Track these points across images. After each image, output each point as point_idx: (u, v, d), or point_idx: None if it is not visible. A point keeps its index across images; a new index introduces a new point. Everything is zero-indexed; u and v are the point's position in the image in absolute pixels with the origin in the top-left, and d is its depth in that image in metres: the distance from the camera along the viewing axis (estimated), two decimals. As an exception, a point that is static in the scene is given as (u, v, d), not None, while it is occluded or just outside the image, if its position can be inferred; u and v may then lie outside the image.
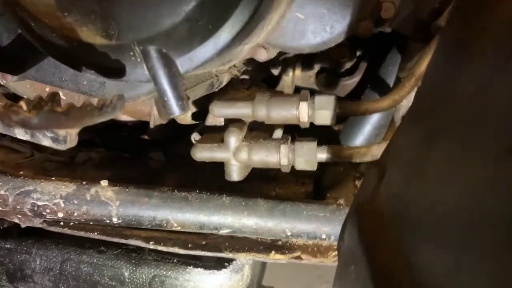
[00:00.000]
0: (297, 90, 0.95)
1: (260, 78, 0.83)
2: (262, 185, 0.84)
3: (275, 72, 0.88)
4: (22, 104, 0.40)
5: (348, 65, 0.99)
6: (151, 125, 0.86)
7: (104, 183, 0.67)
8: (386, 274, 0.31)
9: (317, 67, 1.00)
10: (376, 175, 0.46)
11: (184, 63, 0.51)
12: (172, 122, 0.81)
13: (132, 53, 0.49)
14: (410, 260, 0.30)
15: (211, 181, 0.78)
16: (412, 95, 0.69)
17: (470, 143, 0.28)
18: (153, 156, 0.92)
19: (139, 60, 0.50)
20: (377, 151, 0.66)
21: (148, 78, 0.51)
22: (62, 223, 0.68)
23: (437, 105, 0.36)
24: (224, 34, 0.50)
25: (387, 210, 0.38)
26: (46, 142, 0.42)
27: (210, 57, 0.52)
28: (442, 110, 0.34)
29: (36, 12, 0.48)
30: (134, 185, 0.68)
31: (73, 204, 0.65)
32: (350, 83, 0.99)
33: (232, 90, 0.72)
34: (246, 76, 0.75)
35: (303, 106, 0.64)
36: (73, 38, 0.49)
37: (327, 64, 0.99)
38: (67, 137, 0.43)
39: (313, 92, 0.67)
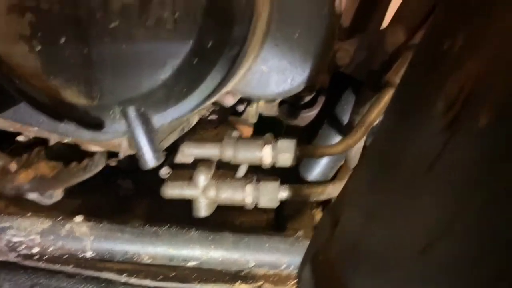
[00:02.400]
0: (260, 117, 1.02)
1: (227, 116, 0.88)
2: (227, 214, 0.90)
3: (240, 108, 0.94)
4: (13, 165, 0.44)
5: (307, 98, 1.06)
6: (121, 156, 0.90)
7: (79, 218, 0.71)
8: None
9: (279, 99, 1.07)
10: (329, 224, 0.53)
11: (159, 119, 0.56)
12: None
13: (112, 111, 0.54)
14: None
15: (178, 210, 0.83)
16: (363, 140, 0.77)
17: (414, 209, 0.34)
18: (122, 184, 0.96)
19: (118, 117, 0.54)
20: (332, 190, 0.73)
21: (125, 131, 0.56)
22: (36, 257, 0.71)
23: (386, 162, 0.41)
24: (197, 96, 0.55)
25: (339, 262, 0.44)
26: (33, 197, 0.47)
27: (183, 114, 0.57)
28: (391, 170, 0.40)
29: (22, 73, 0.52)
30: (107, 220, 0.72)
31: (49, 240, 0.69)
32: (309, 115, 1.07)
33: (200, 130, 0.78)
34: (214, 116, 0.81)
35: (267, 150, 0.70)
36: (57, 98, 0.53)
37: (288, 97, 1.06)
38: (53, 193, 0.47)
39: (276, 135, 0.74)
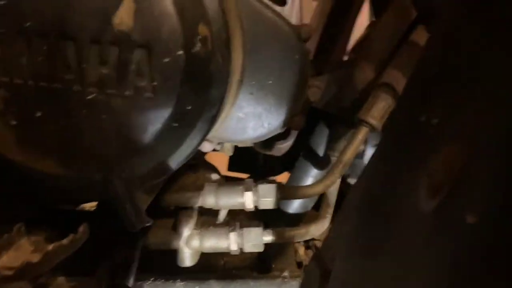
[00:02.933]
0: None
1: (204, 156, 0.88)
2: (210, 256, 0.89)
3: (218, 147, 0.94)
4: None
5: (281, 130, 1.08)
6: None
7: (61, 280, 0.69)
8: None
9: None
10: (319, 275, 0.53)
11: (142, 181, 0.56)
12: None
13: (91, 181, 0.53)
14: None
15: (160, 259, 0.81)
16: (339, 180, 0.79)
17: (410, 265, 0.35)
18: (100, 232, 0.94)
19: (101, 187, 0.54)
20: (315, 231, 0.74)
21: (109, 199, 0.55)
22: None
23: (376, 218, 0.42)
24: (179, 154, 0.55)
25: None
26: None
27: (166, 174, 0.57)
28: (382, 220, 0.41)
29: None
30: (89, 279, 0.71)
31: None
32: (283, 146, 1.08)
33: (179, 177, 0.77)
34: (192, 162, 0.80)
35: (248, 196, 0.71)
36: (33, 169, 0.52)
37: (262, 129, 1.07)
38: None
39: (255, 177, 0.74)
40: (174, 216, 0.74)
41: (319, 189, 0.71)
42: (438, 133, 0.33)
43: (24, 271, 0.41)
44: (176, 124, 0.51)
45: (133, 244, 0.70)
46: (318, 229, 0.75)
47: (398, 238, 0.36)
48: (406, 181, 0.35)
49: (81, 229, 0.48)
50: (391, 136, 0.37)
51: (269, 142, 1.09)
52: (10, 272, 0.41)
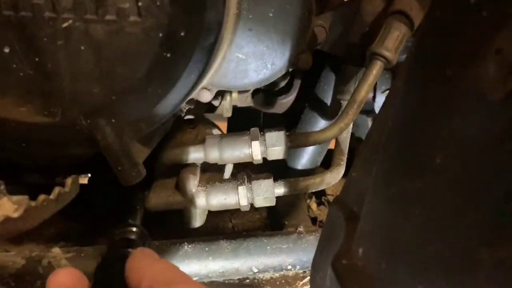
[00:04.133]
0: (235, 110, 0.95)
1: (203, 113, 0.81)
2: (217, 218, 0.84)
3: (216, 103, 0.87)
4: (-33, 209, 0.36)
5: (282, 83, 1.00)
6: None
7: (56, 250, 0.63)
8: None
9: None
10: (342, 216, 0.47)
11: (135, 129, 0.49)
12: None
13: (78, 127, 0.46)
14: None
15: (164, 224, 0.75)
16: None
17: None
18: (96, 203, 0.87)
19: (87, 132, 0.47)
20: (330, 179, 0.68)
21: (97, 148, 0.48)
22: (13, 303, 0.62)
23: (412, 144, 0.35)
24: (176, 94, 0.48)
25: (370, 263, 0.39)
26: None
27: (161, 119, 0.50)
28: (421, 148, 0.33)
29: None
30: (88, 248, 0.65)
31: (25, 281, 0.60)
32: (286, 101, 1.01)
33: (178, 133, 0.70)
34: (190, 116, 0.73)
35: (255, 145, 0.64)
36: (10, 119, 0.45)
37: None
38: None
39: (262, 128, 0.68)
40: (176, 175, 0.67)
41: (333, 132, 0.65)
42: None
43: (3, 228, 0.34)
44: (169, 54, 0.44)
45: (134, 208, 0.63)
46: (334, 177, 0.68)
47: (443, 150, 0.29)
48: (458, 78, 0.28)
49: (69, 181, 0.41)
50: (434, 26, 0.30)
51: (270, 98, 1.02)
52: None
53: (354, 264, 0.40)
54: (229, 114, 0.94)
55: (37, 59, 0.42)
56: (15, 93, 0.43)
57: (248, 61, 0.63)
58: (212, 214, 0.84)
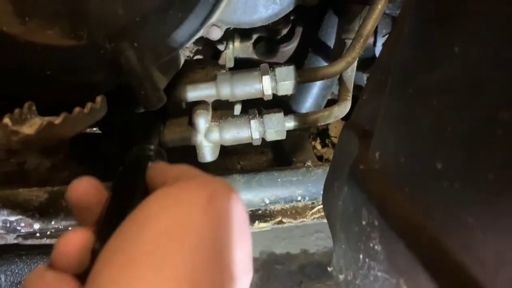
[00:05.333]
0: (237, 61, 0.97)
1: (210, 55, 0.83)
2: (225, 161, 0.86)
3: (221, 47, 0.89)
4: (7, 121, 0.38)
5: (284, 31, 1.02)
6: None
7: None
8: (413, 228, 0.34)
9: (254, 36, 1.02)
10: (355, 136, 0.50)
11: (156, 54, 0.51)
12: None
13: (103, 51, 0.48)
14: (429, 206, 0.34)
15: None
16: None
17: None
18: (109, 150, 0.89)
19: (111, 56, 0.48)
20: (338, 112, 0.70)
21: (120, 73, 0.50)
22: (38, 234, 0.65)
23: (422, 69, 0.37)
24: (194, 20, 0.50)
25: (389, 165, 0.41)
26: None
27: (181, 44, 0.52)
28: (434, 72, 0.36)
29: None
30: (105, 183, 0.67)
31: (49, 213, 0.63)
32: (288, 49, 1.02)
33: (189, 72, 0.72)
34: (199, 56, 0.75)
35: (266, 80, 0.66)
36: (37, 43, 0.46)
37: (263, 33, 1.00)
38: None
39: (270, 65, 0.69)
40: (189, 113, 0.69)
41: (340, 66, 0.67)
42: None
43: (46, 131, 0.36)
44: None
45: (149, 140, 0.65)
46: (341, 111, 0.71)
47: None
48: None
49: (99, 98, 0.43)
50: None
51: (272, 46, 1.03)
52: (34, 136, 0.37)
53: (372, 168, 0.43)
54: (231, 65, 0.96)
55: (63, -20, 0.43)
56: (43, 15, 0.44)
57: (257, -5, 0.64)
58: (220, 158, 0.86)
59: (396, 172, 0.39)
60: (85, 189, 0.35)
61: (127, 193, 0.33)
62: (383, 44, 0.76)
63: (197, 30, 0.52)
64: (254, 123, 0.66)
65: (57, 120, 0.38)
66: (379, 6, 0.66)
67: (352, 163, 0.47)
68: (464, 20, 0.31)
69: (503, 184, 0.27)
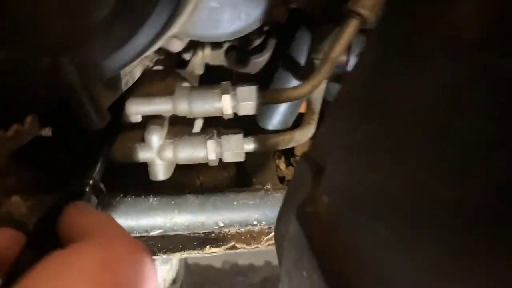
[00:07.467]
0: (207, 68, 0.94)
1: (173, 65, 0.79)
2: (185, 175, 0.83)
3: (187, 56, 0.85)
4: None
5: (257, 41, 0.98)
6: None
7: (16, 198, 0.61)
8: (343, 283, 0.32)
9: (225, 45, 0.98)
10: (311, 172, 0.47)
11: (100, 71, 0.47)
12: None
13: (38, 66, 0.44)
14: (364, 264, 0.32)
15: (130, 177, 0.74)
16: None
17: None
18: (58, 156, 0.85)
19: (48, 71, 0.44)
20: (300, 136, 0.68)
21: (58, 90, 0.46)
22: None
23: (375, 102, 0.35)
24: (143, 37, 0.46)
25: (333, 212, 0.39)
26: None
27: (128, 61, 0.48)
28: (381, 108, 0.34)
29: None
30: (48, 197, 0.63)
31: (-18, 228, 0.58)
32: (260, 60, 0.99)
33: (146, 83, 0.68)
34: (159, 67, 0.71)
35: (226, 100, 0.63)
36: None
37: (235, 42, 0.97)
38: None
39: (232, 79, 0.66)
40: (143, 127, 0.65)
41: (305, 90, 0.64)
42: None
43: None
44: (138, -9, 0.41)
45: (95, 160, 0.61)
46: (304, 135, 0.68)
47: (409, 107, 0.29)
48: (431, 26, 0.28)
49: (28, 119, 0.39)
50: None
51: (244, 56, 1.00)
52: None
53: (318, 212, 0.40)
54: (201, 72, 0.93)
55: (-7, -13, 0.39)
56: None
57: (222, 10, 0.61)
58: (180, 171, 0.83)
59: (342, 225, 0.36)
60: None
61: (36, 247, 0.30)
62: (344, 76, 0.74)
63: (149, 47, 0.48)
64: (211, 143, 0.63)
65: (-32, 147, 0.34)
66: (349, 30, 0.63)
67: (301, 203, 0.44)
68: (413, 78, 0.28)
69: (445, 262, 0.25)
